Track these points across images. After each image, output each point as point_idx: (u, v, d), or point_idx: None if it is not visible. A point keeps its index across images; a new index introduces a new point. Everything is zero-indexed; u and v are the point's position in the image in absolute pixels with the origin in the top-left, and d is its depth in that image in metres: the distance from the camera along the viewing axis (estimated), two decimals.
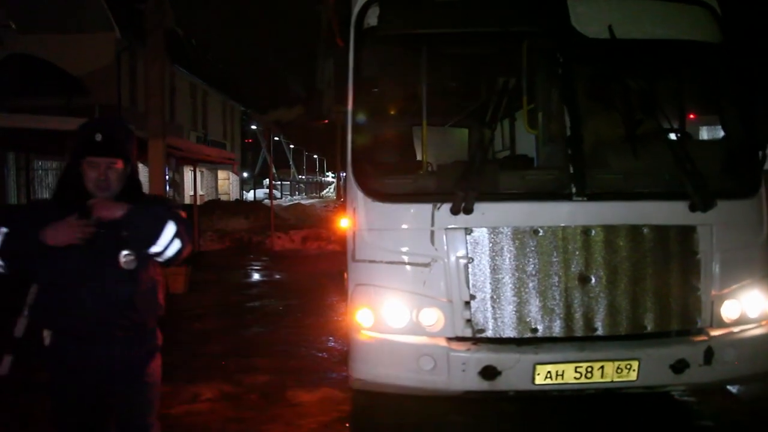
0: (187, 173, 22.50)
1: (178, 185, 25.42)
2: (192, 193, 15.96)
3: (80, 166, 2.47)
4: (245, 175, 42.73)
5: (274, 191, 42.92)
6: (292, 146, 51.61)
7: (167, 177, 22.41)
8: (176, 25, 26.80)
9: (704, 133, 10.42)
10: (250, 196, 39.40)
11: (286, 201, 38.37)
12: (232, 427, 4.20)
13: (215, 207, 19.56)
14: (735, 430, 4.23)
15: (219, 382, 5.05)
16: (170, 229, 2.44)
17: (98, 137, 2.45)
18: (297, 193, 52.70)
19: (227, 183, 34.48)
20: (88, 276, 2.41)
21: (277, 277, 11.15)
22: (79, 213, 2.38)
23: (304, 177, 57.54)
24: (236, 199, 28.80)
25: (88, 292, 2.41)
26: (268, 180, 21.07)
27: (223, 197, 31.54)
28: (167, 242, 2.44)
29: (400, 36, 3.89)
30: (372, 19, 3.68)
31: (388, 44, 3.91)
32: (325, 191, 53.58)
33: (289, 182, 53.44)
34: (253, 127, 41.40)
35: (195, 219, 13.60)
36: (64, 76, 17.39)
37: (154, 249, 2.43)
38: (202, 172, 28.78)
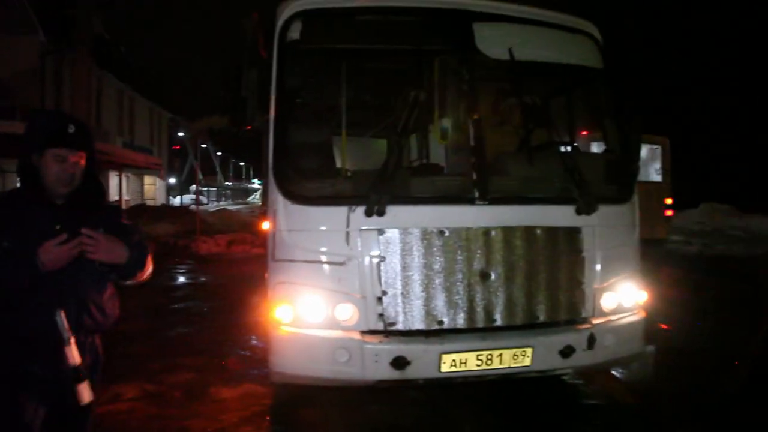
0: (113, 178, 21.46)
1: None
2: (117, 197, 15.24)
3: (39, 158, 2.24)
4: (172, 181, 41.20)
5: (201, 197, 41.83)
6: (219, 153, 50.29)
7: None
8: (104, 31, 25.63)
9: (594, 148, 11.07)
10: (176, 201, 38.01)
11: (213, 207, 37.29)
12: (153, 425, 4.06)
13: (141, 212, 18.72)
14: (615, 406, 4.52)
15: (141, 381, 4.87)
16: (149, 260, 2.50)
17: (71, 128, 2.26)
18: (223, 199, 51.37)
19: (153, 188, 33.11)
20: (66, 281, 2.26)
21: (203, 279, 10.83)
22: (66, 230, 2.18)
23: (230, 183, 56.15)
24: (162, 204, 27.67)
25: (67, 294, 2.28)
26: (194, 186, 20.40)
27: (149, 202, 30.23)
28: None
29: (321, 50, 3.93)
30: (294, 33, 3.69)
31: (309, 57, 3.92)
32: (251, 197, 52.52)
33: (215, 188, 52.00)
34: (181, 134, 40.02)
35: None
36: None
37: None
38: (128, 177, 27.49)
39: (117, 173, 15.01)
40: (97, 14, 22.17)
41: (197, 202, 17.93)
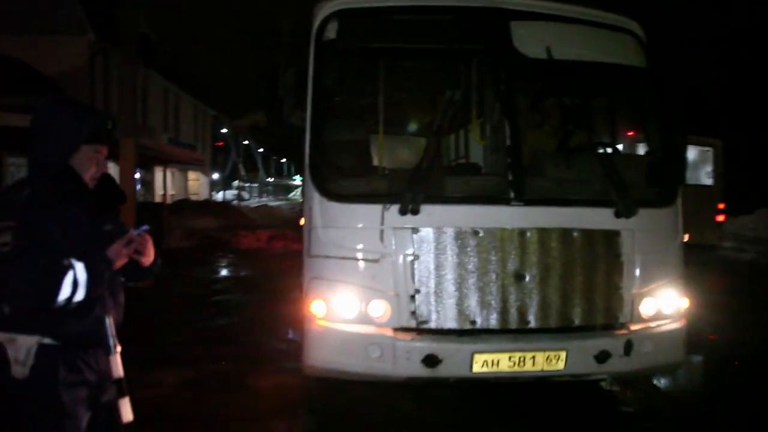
0: (158, 173, 22.15)
1: (149, 184, 25.05)
2: (162, 192, 15.74)
3: (76, 153, 2.08)
4: (215, 176, 42.18)
5: (243, 193, 42.68)
6: (261, 150, 51.16)
7: (138, 177, 22.05)
8: (150, 30, 26.44)
9: (640, 150, 10.84)
10: (219, 196, 38.91)
11: (255, 202, 38.00)
12: (192, 410, 4.23)
13: (185, 206, 19.29)
14: (652, 415, 4.44)
15: (182, 368, 5.07)
16: None
17: (110, 124, 2.19)
18: (265, 195, 52.21)
19: (197, 183, 33.96)
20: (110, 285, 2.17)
21: (243, 273, 11.10)
22: (117, 227, 2.18)
23: (272, 180, 57.04)
24: (205, 199, 28.39)
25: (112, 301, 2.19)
26: (237, 182, 20.84)
27: (193, 197, 31.03)
28: None
29: (357, 49, 4.00)
30: (331, 33, 3.78)
31: (346, 56, 4.00)
32: (292, 194, 53.31)
33: (257, 184, 52.94)
34: (224, 130, 40.92)
35: (164, 217, 13.43)
36: (37, 77, 16.96)
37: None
38: (173, 172, 28.32)
39: (162, 168, 15.47)
40: (142, 14, 22.91)
41: (239, 197, 18.31)
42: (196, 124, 34.38)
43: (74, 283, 1.91)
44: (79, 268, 1.92)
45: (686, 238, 13.20)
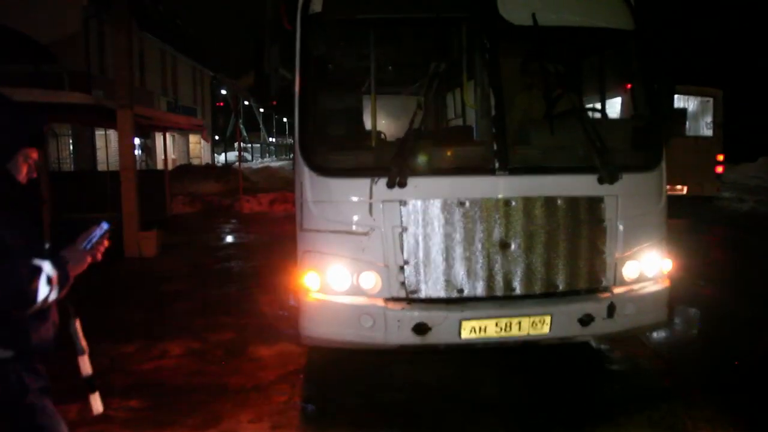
0: (159, 138, 22.10)
1: (150, 150, 25.03)
2: (163, 157, 15.75)
3: (14, 158, 2.01)
4: (217, 138, 42.01)
5: (245, 154, 42.52)
6: (262, 110, 50.76)
7: (139, 143, 21.97)
8: None
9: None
10: (221, 158, 38.87)
11: (257, 163, 37.98)
12: (196, 380, 4.41)
13: (186, 171, 19.32)
14: (639, 372, 4.61)
15: (186, 339, 5.25)
16: None
17: (44, 127, 2.18)
18: (267, 155, 52.12)
19: (199, 147, 33.94)
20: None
21: (245, 239, 11.26)
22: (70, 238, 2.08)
23: (274, 140, 56.79)
24: (207, 164, 28.40)
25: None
26: (238, 144, 20.80)
27: (195, 161, 31.09)
28: None
29: (344, 21, 3.98)
30: (317, 5, 3.77)
31: (333, 28, 4.00)
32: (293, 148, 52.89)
33: (259, 145, 52.74)
34: (224, 92, 40.48)
35: (167, 183, 13.52)
36: (31, 44, 16.76)
37: None
38: (173, 136, 28.26)
39: (162, 134, 15.46)
40: None
41: (239, 161, 18.34)
42: (194, 86, 34.13)
43: (48, 281, 1.87)
44: (47, 267, 1.88)
45: (685, 190, 13.31)
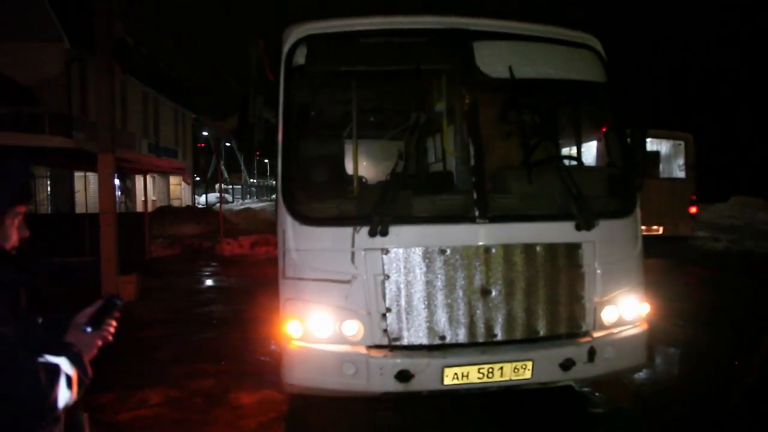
0: (139, 180, 22.02)
1: (129, 191, 24.90)
2: (143, 199, 15.70)
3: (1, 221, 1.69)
4: (198, 178, 41.98)
5: (226, 195, 42.46)
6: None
7: (118, 184, 21.82)
8: (126, 35, 26.20)
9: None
10: (202, 200, 38.74)
11: (238, 205, 37.90)
12: (176, 430, 4.32)
13: (166, 213, 19.24)
14: (621, 414, 4.63)
15: (165, 387, 5.15)
16: None
17: (32, 182, 1.99)
18: (248, 196, 52.04)
19: (179, 188, 33.83)
20: None
21: (226, 282, 11.16)
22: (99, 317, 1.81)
23: (255, 181, 56.83)
24: (187, 206, 28.29)
25: None
26: (219, 185, 20.81)
27: (176, 202, 30.94)
28: None
29: (326, 73, 4.11)
30: (300, 57, 3.89)
31: (316, 80, 4.12)
32: (275, 195, 52.96)
33: (240, 186, 52.72)
34: (205, 133, 40.68)
35: (146, 226, 13.44)
36: (12, 85, 16.80)
37: None
38: (153, 177, 28.18)
39: (143, 175, 15.46)
40: (118, 19, 22.70)
41: (221, 204, 18.34)
42: (176, 128, 34.25)
43: (68, 383, 1.57)
44: (65, 365, 1.58)
45: (661, 230, 13.61)
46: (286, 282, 3.79)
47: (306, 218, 3.72)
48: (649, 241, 4.36)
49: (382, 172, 3.90)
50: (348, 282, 3.63)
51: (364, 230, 3.61)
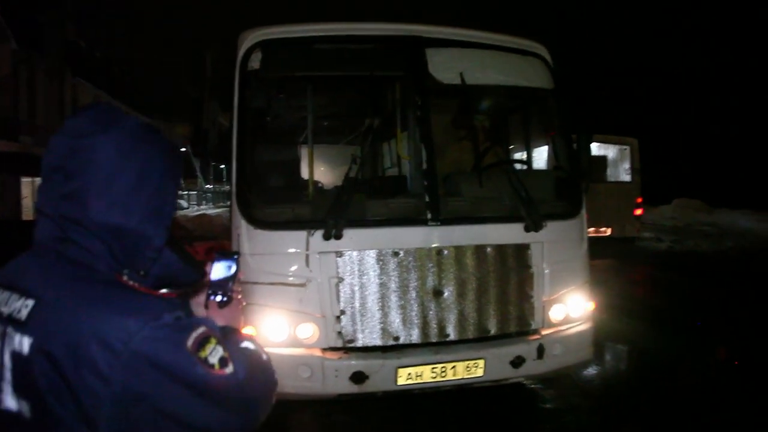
0: None
1: None
2: None
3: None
4: None
5: (182, 201, 41.52)
6: None
7: None
8: (78, 38, 25.41)
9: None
10: None
11: (193, 210, 37.15)
12: None
13: None
14: (571, 409, 4.76)
15: None
16: None
17: None
18: (205, 202, 51.07)
19: None
20: None
21: None
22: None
23: (211, 186, 55.83)
24: None
25: None
26: None
27: None
28: None
29: (281, 78, 4.10)
30: (255, 62, 3.87)
31: (270, 84, 4.10)
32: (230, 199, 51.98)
33: (196, 192, 51.67)
34: None
35: None
36: None
37: None
38: None
39: None
40: (70, 21, 22.03)
41: (177, 206, 17.92)
42: None
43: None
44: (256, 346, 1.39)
45: (609, 232, 13.93)
46: (242, 287, 3.74)
47: (260, 222, 3.69)
48: (597, 242, 4.51)
49: (337, 177, 3.91)
50: (302, 285, 3.62)
51: (319, 233, 3.61)
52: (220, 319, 1.42)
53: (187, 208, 40.41)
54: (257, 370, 1.32)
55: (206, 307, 1.48)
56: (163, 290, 1.35)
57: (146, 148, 1.25)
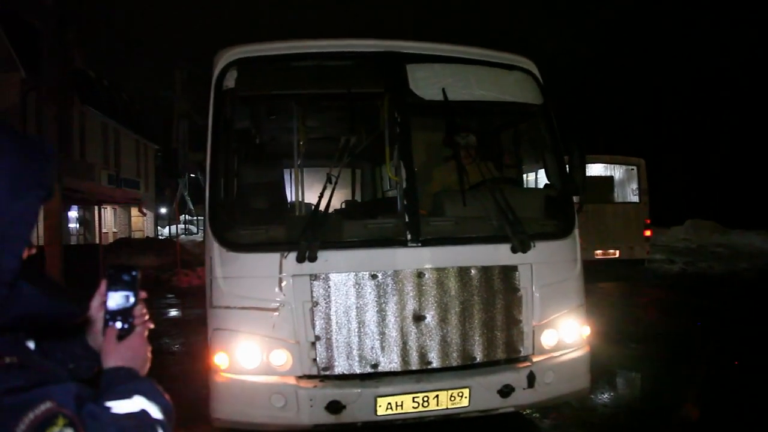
0: (97, 211, 21.45)
1: (88, 223, 24.21)
2: (104, 230, 15.26)
3: None
4: (163, 210, 41.10)
5: (191, 227, 41.71)
6: None
7: (77, 216, 21.19)
8: (87, 66, 25.78)
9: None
10: (165, 231, 37.93)
11: (201, 236, 37.19)
12: None
13: (125, 244, 18.67)
14: None
15: None
16: None
17: None
18: None
19: (141, 220, 33.06)
20: None
21: (179, 315, 10.81)
22: None
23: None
24: (147, 237, 27.58)
25: None
26: (183, 216, 20.44)
27: (137, 234, 30.21)
28: None
29: (257, 96, 4.00)
30: (230, 81, 3.77)
31: (246, 103, 4.00)
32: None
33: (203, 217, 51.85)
34: None
35: (101, 257, 12.98)
36: None
37: None
38: (114, 209, 27.50)
39: (103, 206, 15.06)
40: (78, 50, 22.36)
41: (178, 234, 17.97)
42: (138, 159, 33.60)
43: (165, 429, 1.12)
44: (152, 408, 1.12)
45: (618, 254, 13.65)
46: (213, 311, 3.59)
47: (232, 244, 3.56)
48: (606, 265, 4.32)
49: (313, 197, 3.76)
50: (275, 310, 3.46)
51: (292, 256, 3.46)
52: (115, 356, 1.20)
53: (197, 234, 40.50)
54: None
55: (103, 334, 1.26)
56: None
57: None
